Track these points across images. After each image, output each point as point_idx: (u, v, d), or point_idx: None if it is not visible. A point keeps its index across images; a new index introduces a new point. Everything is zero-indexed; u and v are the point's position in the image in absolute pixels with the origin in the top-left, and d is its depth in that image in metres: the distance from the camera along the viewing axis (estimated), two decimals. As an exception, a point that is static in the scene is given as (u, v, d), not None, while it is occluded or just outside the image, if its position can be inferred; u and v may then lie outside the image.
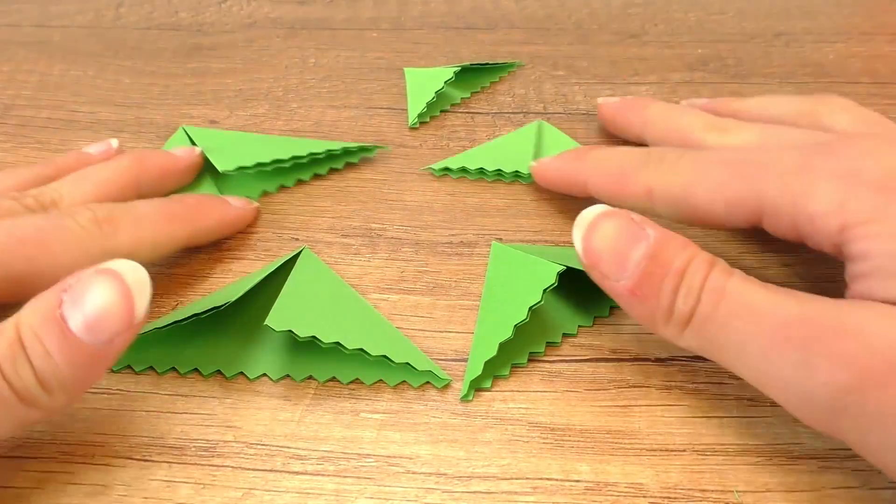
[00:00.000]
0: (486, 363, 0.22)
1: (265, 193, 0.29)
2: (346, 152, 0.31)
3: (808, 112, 0.26)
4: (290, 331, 0.21)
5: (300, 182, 0.30)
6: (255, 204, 0.28)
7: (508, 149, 0.31)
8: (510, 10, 0.43)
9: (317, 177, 0.30)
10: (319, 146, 0.30)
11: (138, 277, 0.19)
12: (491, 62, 0.37)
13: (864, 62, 0.38)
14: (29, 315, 0.18)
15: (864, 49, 0.38)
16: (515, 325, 0.22)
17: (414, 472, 0.20)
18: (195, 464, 0.20)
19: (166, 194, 0.28)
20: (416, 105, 0.34)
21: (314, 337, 0.21)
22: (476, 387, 0.22)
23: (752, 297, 0.18)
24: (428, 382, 0.22)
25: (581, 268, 0.23)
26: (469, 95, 0.36)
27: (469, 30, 0.41)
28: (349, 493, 0.20)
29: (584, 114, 0.34)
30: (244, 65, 0.38)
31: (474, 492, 0.20)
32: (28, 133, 0.33)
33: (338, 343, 0.21)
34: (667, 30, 0.41)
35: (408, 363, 0.22)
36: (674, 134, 0.27)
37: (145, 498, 0.19)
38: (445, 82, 0.34)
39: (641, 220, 0.20)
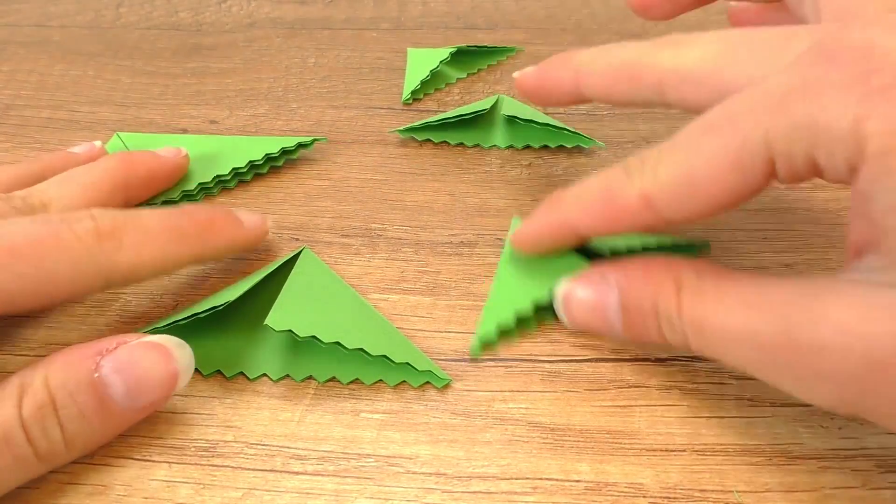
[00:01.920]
0: (499, 327, 0.23)
1: (201, 186, 0.29)
2: (284, 151, 0.31)
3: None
4: (289, 331, 0.21)
5: (241, 182, 0.30)
6: (270, 224, 0.26)
7: (470, 122, 0.32)
8: (510, 10, 0.43)
9: (316, 176, 0.30)
10: (257, 151, 0.30)
11: (185, 355, 0.20)
12: (489, 45, 0.38)
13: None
14: (62, 376, 0.18)
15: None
16: (534, 302, 0.23)
17: (414, 472, 0.20)
18: (195, 464, 0.20)
19: (154, 196, 0.28)
20: (411, 82, 0.35)
21: (314, 336, 0.21)
22: (485, 342, 0.23)
23: (729, 323, 0.18)
24: (428, 382, 0.22)
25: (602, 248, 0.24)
26: (465, 76, 0.37)
27: (469, 30, 0.41)
28: (349, 493, 0.20)
29: (583, 114, 0.34)
30: (244, 65, 0.38)
31: (474, 492, 0.19)
32: (28, 133, 0.33)
33: (338, 343, 0.21)
34: (667, 30, 0.41)
35: (408, 363, 0.22)
36: (617, 71, 0.22)
37: (145, 498, 0.19)
38: (441, 62, 0.35)
39: (604, 270, 0.21)
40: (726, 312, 0.18)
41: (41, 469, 0.18)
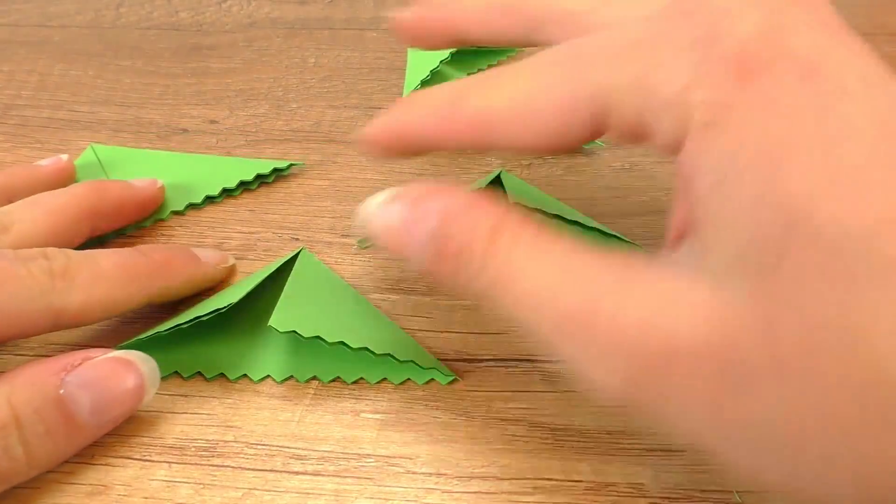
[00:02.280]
0: None
1: (174, 213, 0.29)
2: (259, 176, 0.30)
3: None
4: (293, 331, 0.21)
5: (211, 201, 0.29)
6: (233, 261, 0.26)
7: None
8: (510, 11, 0.43)
9: (316, 176, 0.30)
10: (232, 175, 0.29)
11: (151, 369, 0.20)
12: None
13: (864, 62, 0.37)
14: (26, 393, 0.18)
15: (864, 49, 0.38)
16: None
17: (414, 472, 0.20)
18: (195, 464, 0.20)
19: (124, 226, 0.27)
20: (411, 82, 0.35)
21: (318, 337, 0.21)
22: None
23: (538, 281, 0.16)
24: (432, 380, 0.22)
25: None
26: (465, 76, 0.36)
27: (469, 30, 0.41)
28: (349, 493, 0.20)
29: (584, 114, 0.34)
30: (244, 65, 0.38)
31: (474, 492, 0.19)
32: (28, 133, 0.33)
33: (342, 342, 0.21)
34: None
35: (412, 361, 0.22)
36: (492, 4, 0.21)
37: (145, 498, 0.19)
38: (441, 61, 0.35)
39: (427, 192, 0.18)
40: (538, 269, 0.16)
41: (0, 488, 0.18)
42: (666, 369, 0.14)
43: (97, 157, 0.31)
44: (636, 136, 0.16)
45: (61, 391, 0.18)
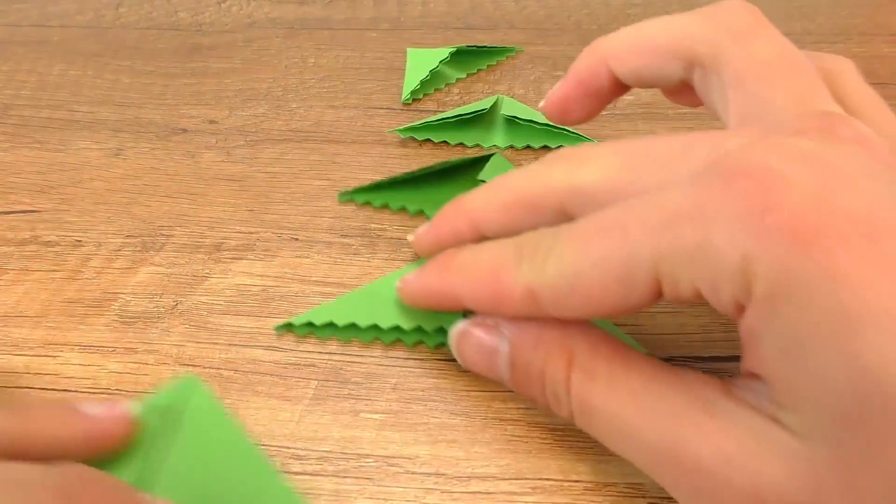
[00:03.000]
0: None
1: None
2: None
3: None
4: None
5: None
6: (129, 409, 0.18)
7: (470, 122, 0.33)
8: (510, 10, 0.43)
9: (316, 176, 0.30)
10: None
11: None
12: (488, 46, 0.38)
13: (864, 63, 0.37)
14: None
15: (863, 50, 0.38)
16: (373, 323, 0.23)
17: (413, 473, 0.20)
18: (194, 464, 0.20)
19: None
20: (411, 82, 0.35)
21: None
22: (289, 328, 0.24)
23: (618, 416, 0.17)
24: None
25: None
26: (465, 76, 0.37)
27: (469, 30, 0.41)
28: (348, 493, 0.20)
29: (583, 114, 0.34)
30: (244, 65, 0.38)
31: (474, 492, 0.20)
32: (27, 133, 0.33)
33: None
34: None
35: None
36: (513, 206, 0.21)
37: (144, 498, 0.19)
38: (441, 62, 0.35)
39: (500, 321, 0.20)
40: (616, 404, 0.17)
41: None
42: None
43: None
44: (691, 300, 0.16)
45: None
